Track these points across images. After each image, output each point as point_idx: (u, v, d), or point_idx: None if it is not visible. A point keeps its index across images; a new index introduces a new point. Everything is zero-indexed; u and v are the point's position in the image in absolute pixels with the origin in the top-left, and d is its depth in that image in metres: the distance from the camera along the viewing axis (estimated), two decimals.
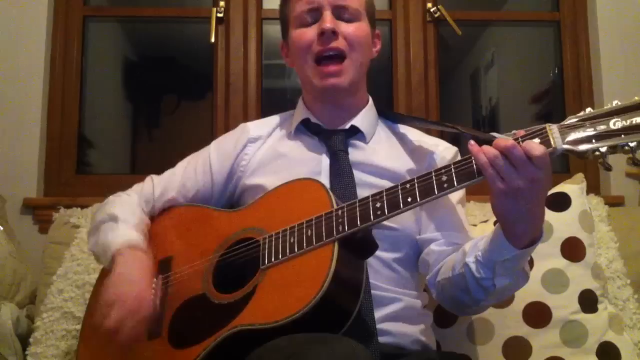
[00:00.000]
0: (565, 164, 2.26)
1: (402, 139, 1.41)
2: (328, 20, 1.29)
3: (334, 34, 1.29)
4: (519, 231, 1.05)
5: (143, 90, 2.66)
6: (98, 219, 1.37)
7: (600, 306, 1.50)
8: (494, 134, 1.06)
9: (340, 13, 1.32)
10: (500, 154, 0.98)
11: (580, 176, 1.68)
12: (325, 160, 1.33)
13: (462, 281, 1.16)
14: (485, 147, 1.00)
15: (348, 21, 1.33)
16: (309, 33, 1.32)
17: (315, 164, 1.33)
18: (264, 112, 2.23)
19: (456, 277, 1.17)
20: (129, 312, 1.15)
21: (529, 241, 1.07)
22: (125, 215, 1.34)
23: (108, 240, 1.29)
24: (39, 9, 2.18)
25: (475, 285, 1.14)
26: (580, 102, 2.29)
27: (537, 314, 1.47)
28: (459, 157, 1.39)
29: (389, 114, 1.46)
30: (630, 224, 1.76)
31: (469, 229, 1.36)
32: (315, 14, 1.32)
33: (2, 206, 1.92)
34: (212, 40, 2.22)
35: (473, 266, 1.13)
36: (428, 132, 1.48)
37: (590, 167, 2.17)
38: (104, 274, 1.37)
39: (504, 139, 0.99)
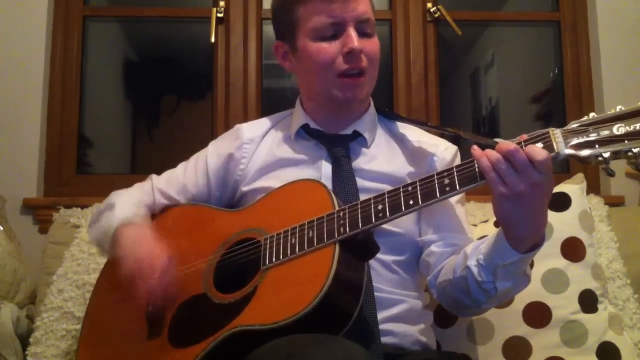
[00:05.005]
0: (565, 164, 2.26)
1: (401, 141, 1.40)
2: (356, 40, 1.24)
3: (361, 53, 1.26)
4: (521, 235, 1.05)
5: (143, 90, 2.66)
6: (98, 211, 1.39)
7: (600, 306, 1.50)
8: (497, 139, 1.06)
9: (361, 28, 1.27)
10: (503, 158, 0.98)
11: (580, 176, 1.68)
12: (326, 166, 1.32)
13: (464, 283, 1.16)
14: (488, 151, 1.00)
15: (367, 36, 1.28)
16: (331, 49, 1.27)
17: (316, 170, 1.32)
18: (264, 112, 2.23)
19: (457, 279, 1.18)
20: (150, 277, 1.17)
21: (531, 245, 1.07)
22: (121, 201, 1.36)
23: (106, 226, 1.31)
24: (39, 9, 2.18)
25: (476, 288, 1.14)
26: (580, 102, 2.29)
27: (537, 314, 1.47)
28: (459, 157, 1.39)
29: (388, 114, 1.45)
30: (630, 224, 1.77)
31: (469, 229, 1.36)
32: (337, 28, 1.26)
33: (2, 206, 1.92)
34: (212, 40, 2.22)
35: (475, 269, 1.13)
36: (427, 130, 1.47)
37: (590, 167, 2.17)
38: (105, 272, 1.39)
39: (506, 143, 0.99)
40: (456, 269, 1.19)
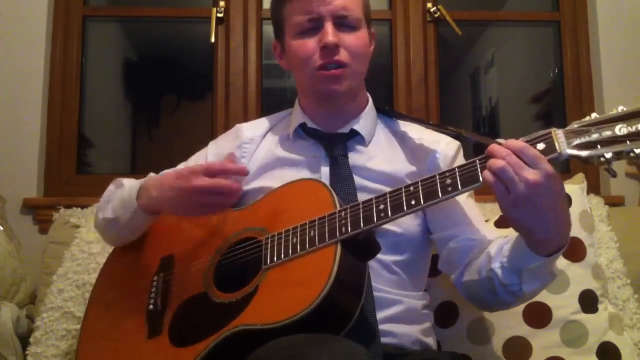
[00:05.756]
0: (565, 164, 2.26)
1: (402, 139, 1.40)
2: (330, 34, 1.26)
3: (336, 47, 1.27)
4: (540, 239, 1.04)
5: (143, 90, 2.67)
6: (105, 196, 1.37)
7: (600, 306, 1.50)
8: (500, 140, 1.06)
9: (341, 22, 1.28)
10: (503, 165, 0.97)
11: (580, 176, 1.68)
12: (324, 165, 1.32)
13: (490, 285, 1.15)
14: (489, 163, 0.99)
15: (349, 30, 1.29)
16: (309, 44, 1.28)
17: (314, 169, 1.32)
18: (264, 112, 2.23)
19: (483, 280, 1.17)
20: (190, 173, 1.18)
21: (555, 248, 1.06)
22: (130, 180, 1.35)
23: (125, 195, 1.29)
24: (39, 9, 2.18)
25: (503, 290, 1.14)
26: (580, 102, 2.29)
27: (538, 314, 1.47)
28: (461, 153, 1.39)
29: (389, 112, 1.45)
30: (630, 224, 1.76)
31: (484, 222, 1.34)
32: (315, 23, 1.28)
33: (2, 206, 1.92)
34: (212, 40, 2.22)
35: (499, 272, 1.12)
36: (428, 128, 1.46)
37: (590, 167, 2.17)
38: (105, 271, 1.39)
39: (499, 147, 0.99)
40: (481, 270, 1.18)
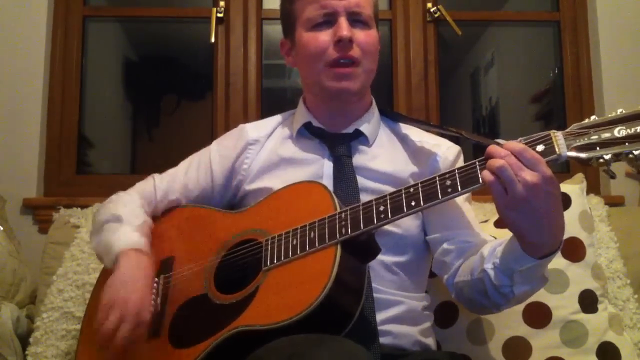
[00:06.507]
0: (565, 164, 2.26)
1: (403, 140, 1.40)
2: (345, 28, 1.26)
3: (350, 42, 1.27)
4: (534, 241, 1.04)
5: (143, 90, 2.67)
6: (102, 218, 1.36)
7: (600, 306, 1.50)
8: (499, 140, 1.06)
9: (354, 19, 1.29)
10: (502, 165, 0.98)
11: (580, 176, 1.68)
12: (328, 165, 1.32)
13: (481, 286, 1.15)
14: (489, 163, 1.00)
15: (361, 27, 1.30)
16: (323, 38, 1.29)
17: (318, 169, 1.32)
18: (263, 112, 2.23)
19: (474, 281, 1.17)
20: (128, 316, 1.14)
21: (548, 251, 1.06)
22: (129, 216, 1.33)
23: (112, 241, 1.28)
24: (39, 9, 2.18)
25: (494, 292, 1.14)
26: (580, 102, 2.29)
27: (537, 314, 1.47)
28: (462, 157, 1.39)
29: (390, 113, 1.46)
30: (630, 224, 1.76)
31: (479, 226, 1.34)
32: (329, 18, 1.29)
33: (2, 206, 1.92)
34: (212, 40, 2.23)
35: (491, 273, 1.12)
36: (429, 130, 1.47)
37: (590, 167, 2.17)
38: (105, 274, 1.38)
39: (499, 149, 0.99)
40: (473, 270, 1.18)
